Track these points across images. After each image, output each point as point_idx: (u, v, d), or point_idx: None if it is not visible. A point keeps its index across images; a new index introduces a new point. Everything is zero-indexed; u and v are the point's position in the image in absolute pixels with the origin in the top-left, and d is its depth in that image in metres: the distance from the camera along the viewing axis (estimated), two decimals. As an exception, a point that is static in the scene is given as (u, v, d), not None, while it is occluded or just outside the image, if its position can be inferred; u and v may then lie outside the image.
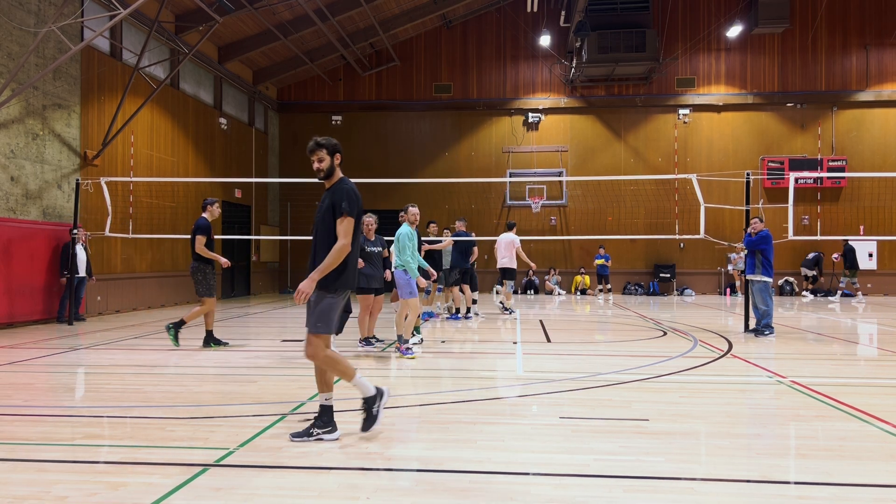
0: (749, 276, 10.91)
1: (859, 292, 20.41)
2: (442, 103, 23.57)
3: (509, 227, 14.68)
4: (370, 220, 9.10)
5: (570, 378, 6.97)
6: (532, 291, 22.83)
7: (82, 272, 12.83)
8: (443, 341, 9.97)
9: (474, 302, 13.75)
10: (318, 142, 4.74)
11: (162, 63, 16.59)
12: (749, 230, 10.98)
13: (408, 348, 8.52)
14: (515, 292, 22.34)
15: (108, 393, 6.30)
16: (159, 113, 16.87)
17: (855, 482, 3.83)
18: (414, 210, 8.86)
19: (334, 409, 4.78)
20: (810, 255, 21.74)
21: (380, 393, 4.80)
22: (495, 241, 15.01)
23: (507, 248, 14.19)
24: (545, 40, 21.98)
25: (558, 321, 13.52)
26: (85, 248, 12.97)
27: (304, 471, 4.01)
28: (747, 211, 11.66)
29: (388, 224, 13.93)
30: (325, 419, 4.70)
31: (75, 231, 12.63)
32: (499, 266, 14.46)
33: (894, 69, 22.25)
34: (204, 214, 9.08)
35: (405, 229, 8.63)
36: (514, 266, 14.25)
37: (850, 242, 20.53)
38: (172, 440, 4.63)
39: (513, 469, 4.05)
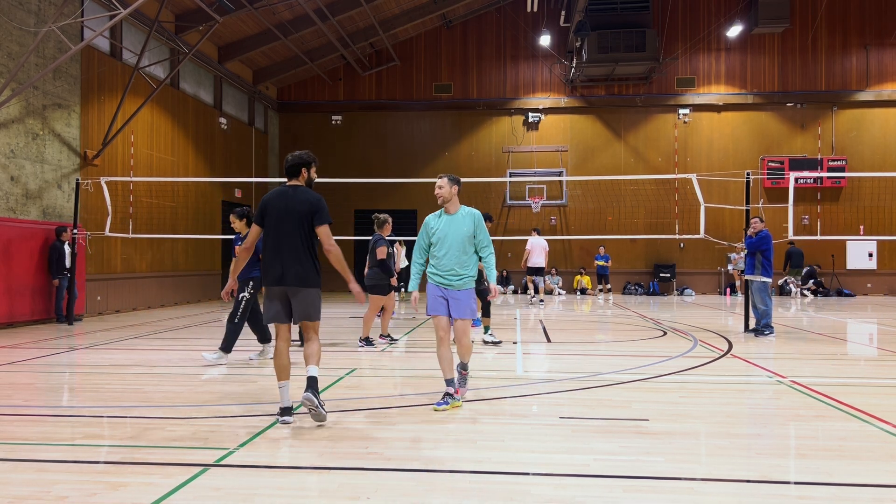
0: (748, 277, 10.91)
1: (800, 289, 21.24)
2: (442, 103, 23.57)
3: (538, 233, 17.85)
4: (388, 222, 9.68)
5: (570, 378, 6.97)
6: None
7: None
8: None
9: None
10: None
11: (162, 63, 16.58)
12: (749, 231, 10.98)
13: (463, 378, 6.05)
14: (515, 292, 22.53)
15: (108, 393, 6.30)
16: (159, 113, 16.87)
17: (855, 482, 3.83)
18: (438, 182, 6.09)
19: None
20: (804, 270, 21.76)
21: (286, 409, 5.14)
22: (526, 241, 17.63)
23: (542, 250, 17.16)
24: (545, 40, 21.99)
25: (558, 321, 13.52)
26: (71, 247, 12.79)
27: (304, 471, 4.01)
28: (747, 211, 11.66)
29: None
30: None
31: (75, 231, 12.64)
32: (535, 266, 17.23)
33: (894, 69, 22.25)
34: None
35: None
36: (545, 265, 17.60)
37: (793, 245, 20.58)
38: (172, 440, 4.63)
39: (513, 469, 4.05)
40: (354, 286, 5.26)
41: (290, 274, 5.03)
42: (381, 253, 9.27)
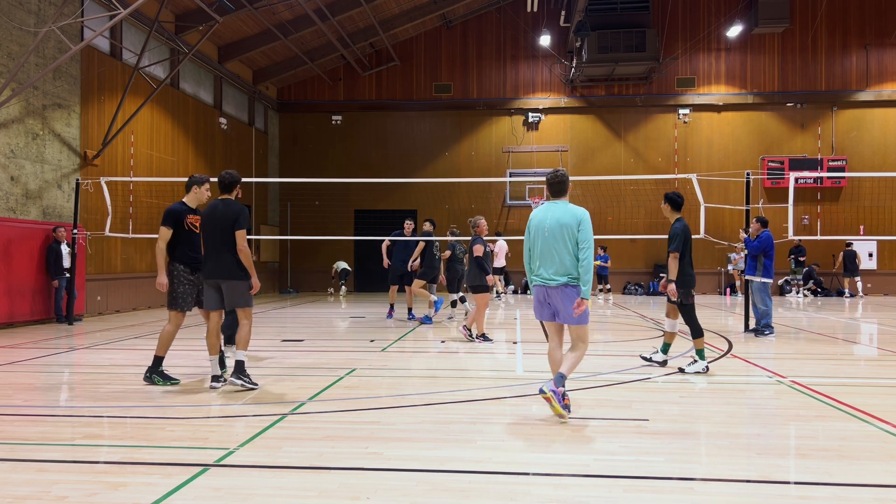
0: (749, 277, 10.91)
1: (801, 289, 21.40)
2: (442, 103, 23.56)
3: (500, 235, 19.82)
4: (483, 222, 10.18)
5: (570, 378, 6.95)
6: (531, 291, 22.85)
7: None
8: (442, 341, 9.97)
9: (463, 301, 12.79)
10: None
11: (162, 63, 16.58)
12: (749, 233, 10.97)
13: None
14: (515, 292, 22.55)
15: (108, 393, 6.30)
16: (159, 113, 16.86)
17: (855, 482, 3.83)
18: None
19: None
20: (803, 271, 21.74)
21: (216, 377, 6.45)
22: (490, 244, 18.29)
23: (503, 252, 18.47)
24: (545, 40, 21.98)
25: (558, 321, 13.46)
26: (70, 246, 12.76)
27: (304, 471, 4.01)
28: (747, 211, 11.66)
29: (387, 223, 13.85)
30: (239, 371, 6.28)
31: (75, 231, 12.64)
32: (500, 266, 18.21)
33: (894, 69, 22.24)
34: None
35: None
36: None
37: (800, 244, 20.63)
38: (172, 440, 4.63)
39: (513, 469, 4.05)
40: (255, 280, 6.42)
41: (219, 269, 6.30)
42: (477, 251, 9.83)
